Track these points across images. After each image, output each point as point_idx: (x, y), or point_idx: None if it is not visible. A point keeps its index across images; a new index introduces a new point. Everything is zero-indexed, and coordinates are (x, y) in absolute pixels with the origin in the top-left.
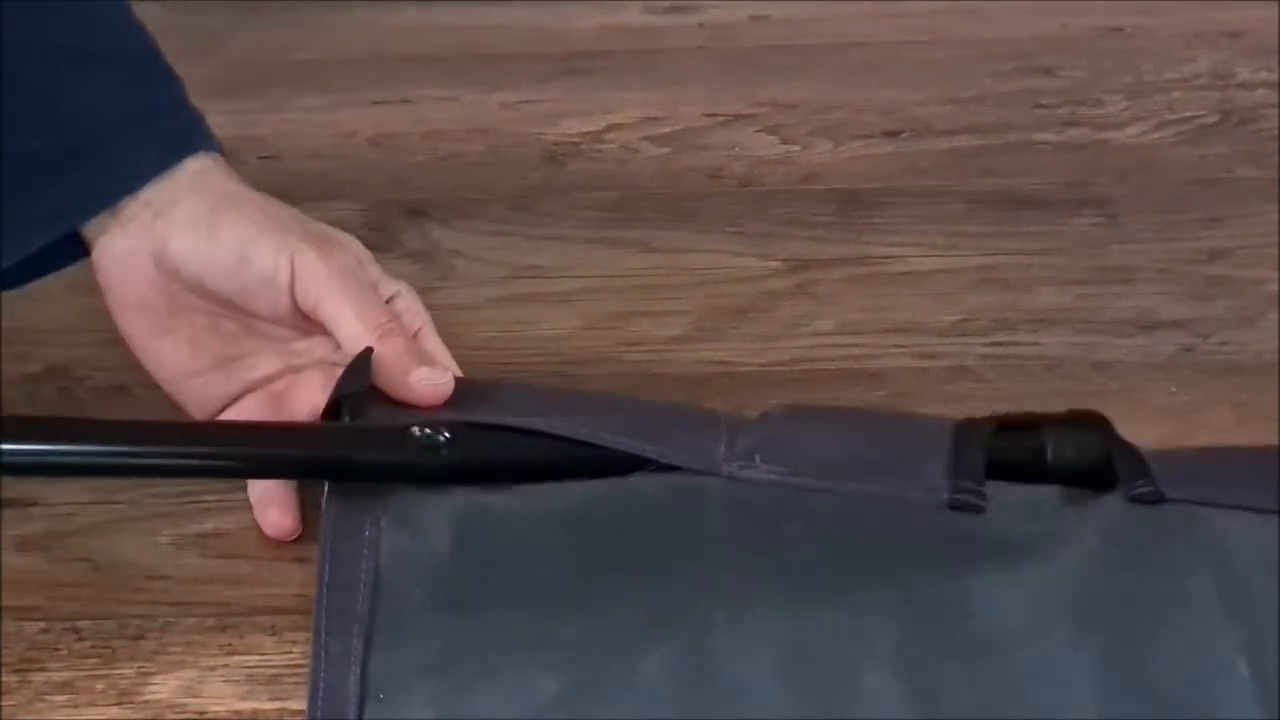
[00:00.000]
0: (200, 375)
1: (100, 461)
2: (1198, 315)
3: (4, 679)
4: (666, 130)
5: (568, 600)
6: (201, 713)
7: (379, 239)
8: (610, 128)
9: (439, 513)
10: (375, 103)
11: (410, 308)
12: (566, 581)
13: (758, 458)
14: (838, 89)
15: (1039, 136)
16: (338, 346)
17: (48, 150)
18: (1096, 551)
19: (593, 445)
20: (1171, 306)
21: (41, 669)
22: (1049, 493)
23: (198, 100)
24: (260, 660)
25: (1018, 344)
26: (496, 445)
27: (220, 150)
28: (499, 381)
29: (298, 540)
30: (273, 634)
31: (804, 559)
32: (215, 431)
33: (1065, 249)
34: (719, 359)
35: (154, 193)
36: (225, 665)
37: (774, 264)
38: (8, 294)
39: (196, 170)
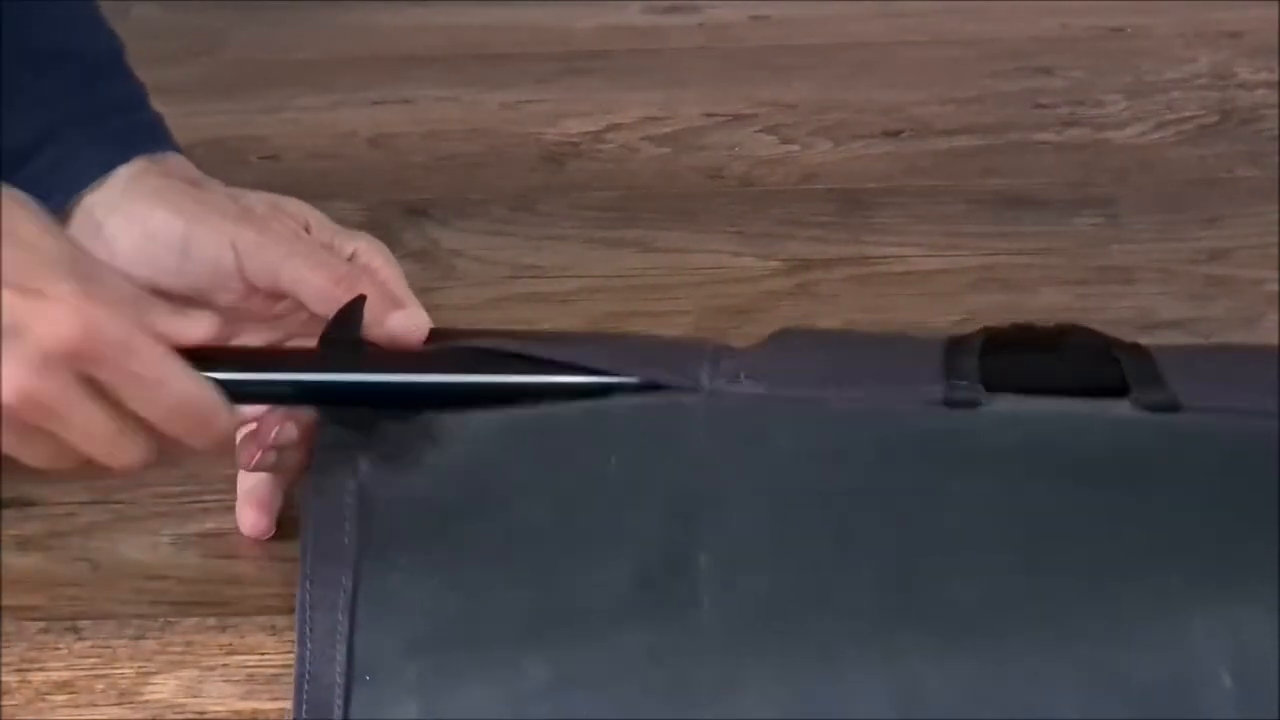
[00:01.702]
0: None
1: None
2: (1198, 315)
3: (4, 679)
4: (666, 130)
5: (551, 561)
6: (201, 713)
7: (379, 239)
8: (610, 128)
9: (417, 470)
10: (375, 103)
11: (374, 261)
12: (550, 533)
13: (742, 374)
14: (838, 89)
15: (1039, 136)
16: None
17: (4, 148)
18: (1086, 565)
19: (572, 367)
20: (1171, 306)
21: (41, 669)
22: (1054, 404)
23: (199, 100)
24: (260, 660)
25: None
26: (475, 365)
27: (177, 149)
28: (476, 330)
29: (297, 542)
30: (273, 634)
31: (792, 479)
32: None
33: (1065, 249)
34: None
35: (94, 199)
36: (225, 665)
37: (774, 264)
38: None
39: (127, 176)
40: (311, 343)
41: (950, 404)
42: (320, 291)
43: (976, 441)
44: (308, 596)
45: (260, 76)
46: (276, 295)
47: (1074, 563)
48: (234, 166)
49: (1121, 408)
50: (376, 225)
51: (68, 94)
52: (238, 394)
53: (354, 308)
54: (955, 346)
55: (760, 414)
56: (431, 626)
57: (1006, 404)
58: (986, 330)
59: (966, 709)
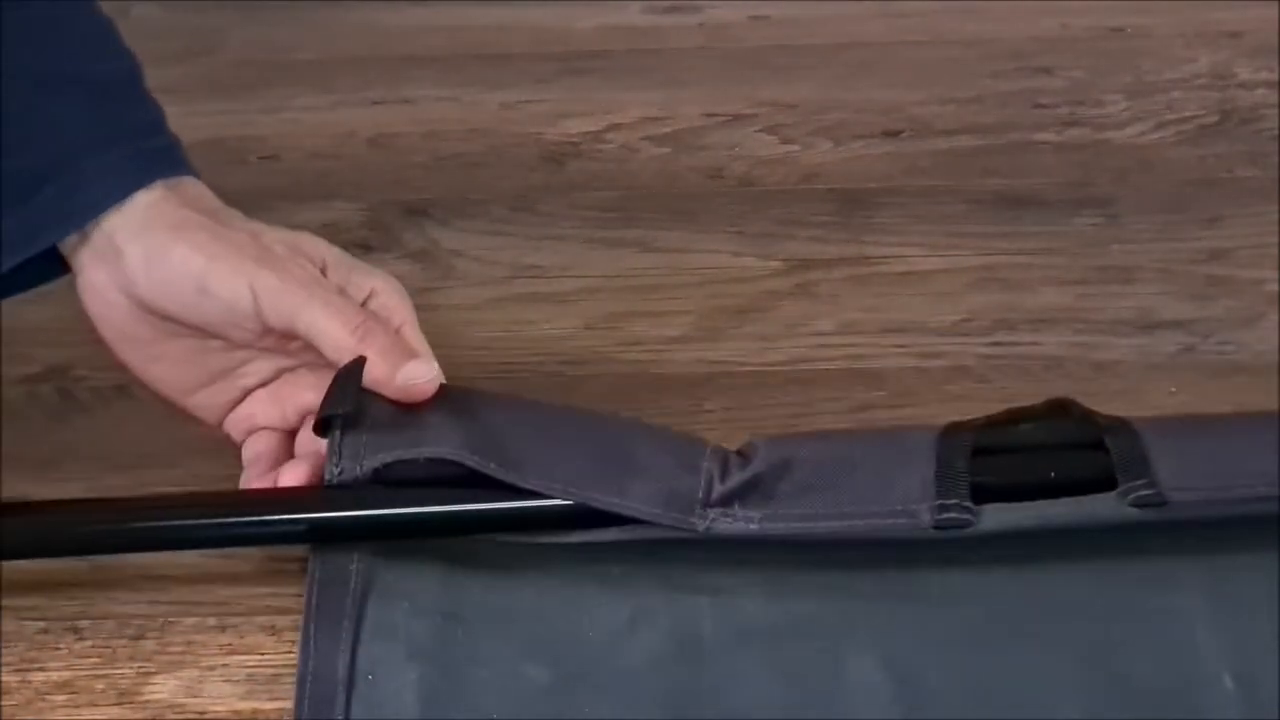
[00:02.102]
0: (199, 390)
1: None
2: (1198, 315)
3: (4, 679)
4: (666, 130)
5: (554, 598)
6: (201, 713)
7: (379, 239)
8: (610, 128)
9: (421, 552)
10: (375, 103)
11: (389, 304)
12: (551, 588)
13: (736, 504)
14: (838, 89)
15: (1039, 136)
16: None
17: (18, 171)
18: (1087, 566)
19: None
20: (1171, 306)
21: (41, 669)
22: (1041, 508)
23: (198, 100)
24: (260, 660)
25: (1018, 344)
26: (475, 498)
27: (194, 174)
28: (484, 396)
29: None
30: (273, 634)
31: (788, 577)
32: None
33: (1065, 249)
34: (719, 359)
35: (114, 224)
36: (225, 665)
37: (774, 264)
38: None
39: (146, 204)
40: (321, 377)
41: (939, 528)
42: (335, 341)
43: (965, 551)
44: (312, 620)
45: (260, 76)
46: (291, 336)
47: (1071, 589)
48: (234, 166)
49: (1108, 505)
50: (376, 225)
51: (83, 119)
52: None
53: (353, 373)
54: (947, 448)
55: (754, 546)
56: (435, 641)
57: (994, 518)
58: (980, 424)
59: (969, 709)
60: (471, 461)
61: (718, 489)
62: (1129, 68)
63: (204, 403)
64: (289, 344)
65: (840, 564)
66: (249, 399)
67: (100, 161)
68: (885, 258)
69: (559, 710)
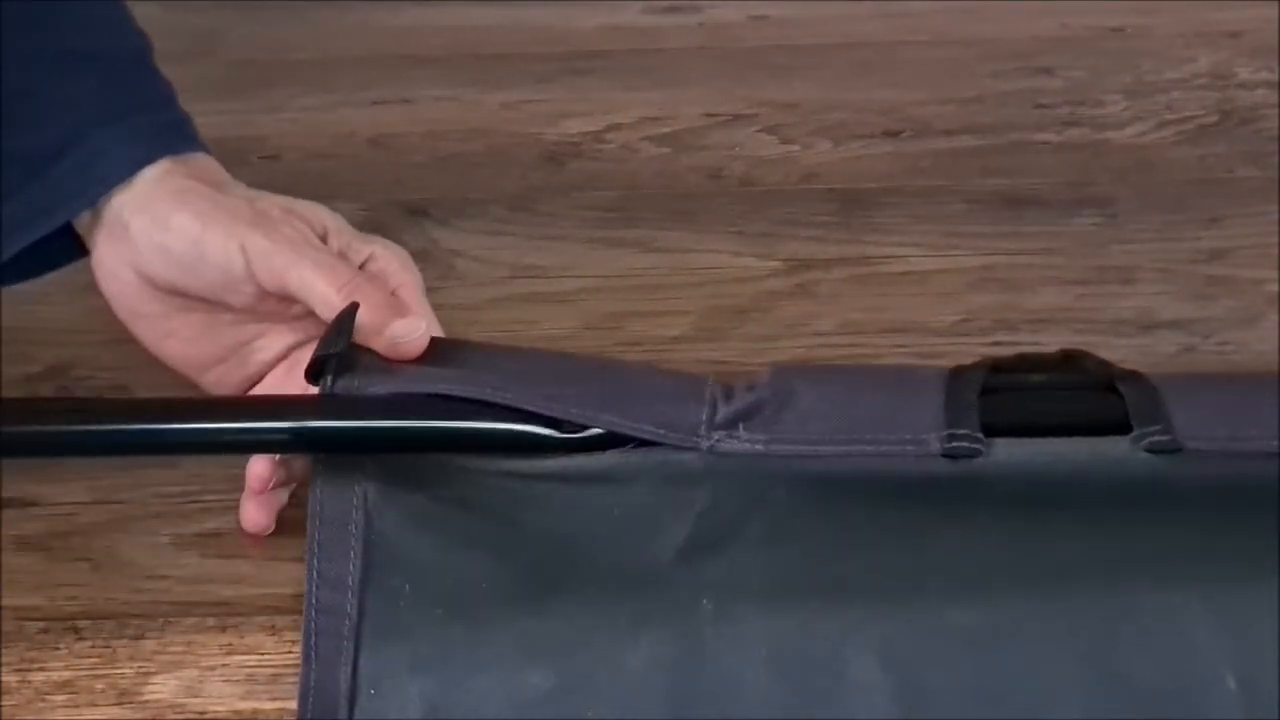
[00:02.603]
0: (215, 367)
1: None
2: (1198, 315)
3: (4, 679)
4: (666, 130)
5: (554, 592)
6: (201, 713)
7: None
8: (610, 128)
9: (422, 497)
10: (375, 103)
11: (387, 268)
12: (551, 571)
13: (741, 426)
14: (838, 89)
15: (1039, 136)
16: None
17: (28, 150)
18: (1087, 566)
19: (566, 421)
20: (1171, 306)
21: (41, 669)
22: (1053, 446)
23: (198, 100)
24: (260, 660)
25: (1018, 344)
26: (471, 415)
27: (205, 149)
28: (481, 345)
29: (297, 539)
30: (273, 634)
31: (791, 530)
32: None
33: (1065, 249)
34: (719, 359)
35: (122, 200)
36: (225, 665)
37: (774, 264)
38: (8, 294)
39: (153, 178)
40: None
41: (949, 455)
42: (324, 298)
43: (974, 491)
44: (313, 624)
45: (260, 76)
46: (288, 299)
47: (1073, 588)
48: (234, 166)
49: (1122, 448)
50: (376, 225)
51: (93, 96)
52: (217, 445)
53: (345, 318)
54: (956, 384)
55: (758, 471)
56: (436, 650)
57: (1005, 450)
58: (988, 364)
59: (970, 710)
60: (468, 393)
61: (722, 411)
62: (1129, 68)
63: (221, 379)
64: (291, 309)
65: (840, 564)
66: (269, 376)
67: (108, 138)
68: (885, 258)
69: (561, 716)
